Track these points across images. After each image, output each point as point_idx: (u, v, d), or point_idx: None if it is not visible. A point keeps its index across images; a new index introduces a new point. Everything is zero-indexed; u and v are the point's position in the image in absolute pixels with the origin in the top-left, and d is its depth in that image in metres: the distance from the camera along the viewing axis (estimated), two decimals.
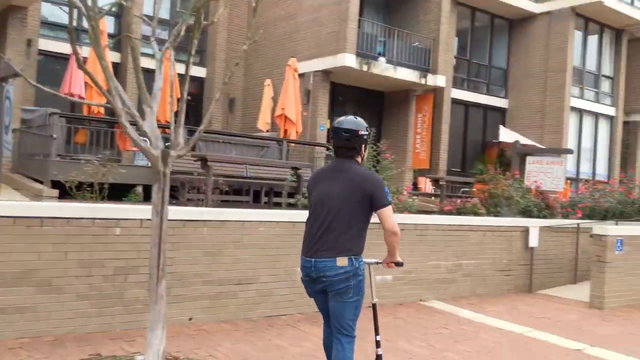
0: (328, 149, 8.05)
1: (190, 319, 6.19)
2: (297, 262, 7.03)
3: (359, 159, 3.93)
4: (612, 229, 8.48)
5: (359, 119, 3.94)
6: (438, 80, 17.78)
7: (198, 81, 18.19)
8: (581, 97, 20.98)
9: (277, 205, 9.84)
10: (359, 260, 3.86)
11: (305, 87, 16.43)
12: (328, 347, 4.05)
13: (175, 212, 6.08)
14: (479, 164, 20.04)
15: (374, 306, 4.21)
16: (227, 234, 6.42)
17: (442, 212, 9.20)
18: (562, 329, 7.10)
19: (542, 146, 18.95)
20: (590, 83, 21.47)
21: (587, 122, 21.35)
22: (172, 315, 6.03)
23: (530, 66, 20.70)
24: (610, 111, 21.74)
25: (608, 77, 21.88)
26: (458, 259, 8.64)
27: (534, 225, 9.47)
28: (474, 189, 16.99)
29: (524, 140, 19.56)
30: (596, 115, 21.50)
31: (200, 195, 7.83)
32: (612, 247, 8.43)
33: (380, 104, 19.03)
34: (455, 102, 19.64)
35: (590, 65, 21.44)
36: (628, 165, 22.44)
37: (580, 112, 20.99)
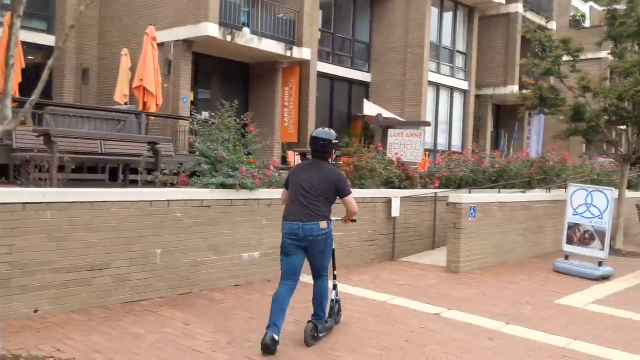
0: (192, 122, 7.62)
1: (36, 311, 5.60)
2: (156, 244, 6.67)
3: (330, 160, 5.49)
4: (466, 197, 8.93)
5: (331, 130, 5.50)
6: (304, 53, 17.73)
7: (46, 50, 16.64)
8: (438, 71, 22.02)
9: (135, 184, 9.26)
10: (331, 222, 5.40)
11: (166, 58, 15.63)
12: (280, 299, 5.23)
13: (11, 194, 5.42)
14: (345, 137, 20.39)
15: (333, 252, 5.72)
16: (76, 217, 5.85)
17: None
18: (422, 295, 7.37)
19: (402, 119, 19.68)
20: (446, 58, 22.59)
21: (444, 95, 22.50)
22: (14, 309, 5.43)
23: (391, 41, 21.31)
24: (464, 85, 23.07)
25: (462, 53, 23.15)
26: None
27: (396, 195, 9.74)
28: (340, 162, 17.30)
29: (386, 114, 20.20)
30: (451, 90, 22.71)
31: (46, 175, 7.10)
32: (466, 214, 8.89)
33: (246, 76, 18.64)
34: (321, 75, 19.76)
35: (446, 41, 22.52)
36: (480, 137, 24.03)
37: (438, 86, 22.05)
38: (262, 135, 10.24)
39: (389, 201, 9.67)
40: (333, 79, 20.69)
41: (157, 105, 13.56)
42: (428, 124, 17.08)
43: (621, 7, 11.25)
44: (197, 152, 7.48)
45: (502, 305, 7.10)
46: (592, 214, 9.35)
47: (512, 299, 7.41)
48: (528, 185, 13.35)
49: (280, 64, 18.16)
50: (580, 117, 10.87)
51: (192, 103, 16.71)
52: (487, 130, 24.34)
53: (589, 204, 9.40)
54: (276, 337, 4.96)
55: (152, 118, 13.98)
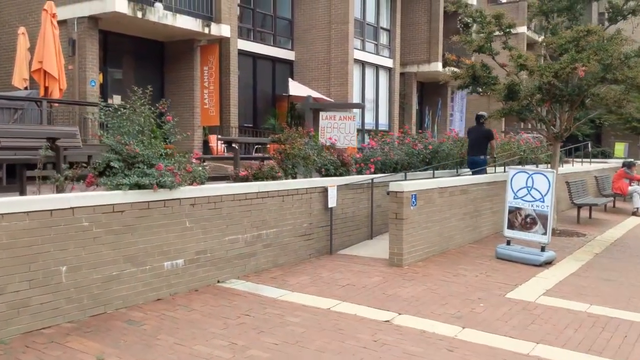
0: (102, 108, 6.53)
1: None
2: (60, 260, 5.62)
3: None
4: (407, 185, 8.35)
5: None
6: (223, 29, 16.58)
7: None
8: (363, 49, 21.42)
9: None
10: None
11: (69, 37, 14.10)
12: None
13: None
14: (270, 119, 19.54)
15: None
16: None
17: (237, 178, 8.29)
18: (368, 297, 6.74)
19: (330, 99, 19.00)
20: (370, 35, 22.01)
21: (369, 74, 21.96)
22: None
23: (314, 17, 20.47)
24: (389, 63, 22.62)
25: (386, 30, 22.63)
26: (258, 230, 7.84)
27: (332, 184, 9.04)
28: (269, 149, 16.41)
29: (312, 94, 19.46)
30: (377, 67, 22.21)
31: None
32: (407, 203, 8.32)
33: (160, 55, 17.27)
34: (243, 53, 18.67)
35: (370, 17, 21.91)
36: (405, 114, 23.76)
37: (363, 64, 21.46)
38: (181, 119, 9.09)
39: (324, 190, 8.96)
40: (255, 57, 19.64)
41: (60, 90, 12.13)
42: (361, 106, 16.46)
43: None
44: (107, 148, 6.43)
45: (453, 303, 6.59)
46: (534, 197, 9.03)
47: (462, 295, 6.92)
48: (460, 165, 13.05)
49: (197, 42, 16.92)
50: (514, 96, 10.54)
51: (102, 86, 15.27)
52: (412, 108, 24.10)
53: (530, 186, 9.07)
54: None
55: (56, 105, 12.55)
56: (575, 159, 19.91)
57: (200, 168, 7.31)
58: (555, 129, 11.66)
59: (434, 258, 8.94)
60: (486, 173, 11.74)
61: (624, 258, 9.75)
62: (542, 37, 11.66)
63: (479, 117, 11.73)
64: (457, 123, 26.33)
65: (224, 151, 16.80)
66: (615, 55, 9.36)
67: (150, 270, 6.43)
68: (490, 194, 11.06)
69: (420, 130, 15.59)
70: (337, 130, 10.62)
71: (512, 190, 9.26)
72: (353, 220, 9.79)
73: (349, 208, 9.67)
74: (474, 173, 11.41)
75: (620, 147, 30.72)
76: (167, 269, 6.64)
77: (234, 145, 9.65)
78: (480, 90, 11.59)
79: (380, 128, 21.69)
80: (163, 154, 6.70)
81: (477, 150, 11.50)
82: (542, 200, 8.94)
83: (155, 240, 6.48)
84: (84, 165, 7.39)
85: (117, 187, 6.18)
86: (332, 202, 9.03)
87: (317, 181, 8.96)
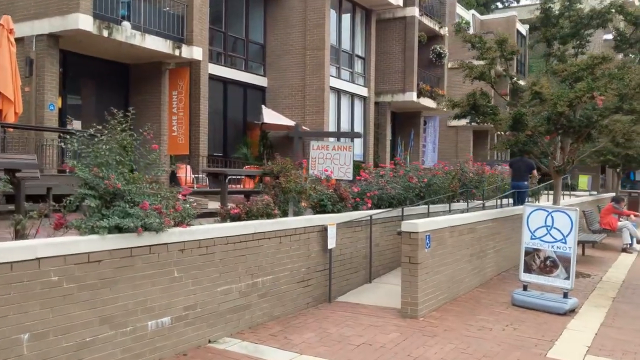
0: (61, 135, 5.42)
1: None
2: (21, 326, 4.34)
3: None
4: (422, 225, 7.38)
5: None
6: (194, 52, 15.50)
7: None
8: (338, 76, 20.64)
9: None
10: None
11: (27, 56, 12.77)
12: None
13: None
14: (242, 147, 18.46)
15: None
16: None
17: (225, 216, 7.18)
18: None
19: (306, 128, 18.04)
20: (346, 63, 21.29)
21: (344, 102, 21.16)
22: None
23: (288, 43, 19.64)
24: (364, 92, 21.89)
25: (361, 58, 21.96)
26: (253, 278, 6.72)
27: (332, 222, 8.00)
28: (243, 181, 15.26)
29: (287, 122, 18.51)
30: (352, 96, 21.44)
31: None
32: (422, 245, 7.36)
33: (125, 79, 16.03)
34: (213, 78, 17.60)
35: (345, 44, 21.21)
36: (379, 145, 23.02)
37: (338, 92, 20.67)
38: (147, 148, 7.95)
39: (323, 230, 7.91)
40: (226, 82, 18.59)
41: (16, 113, 10.74)
42: (359, 135, 15.53)
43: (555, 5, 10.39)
44: (80, 182, 5.24)
45: None
46: (554, 238, 8.19)
47: (498, 356, 5.94)
48: (452, 200, 12.24)
49: (166, 65, 15.78)
50: (519, 127, 9.80)
51: (60, 110, 13.92)
52: (386, 138, 23.38)
53: (550, 226, 8.24)
54: None
55: (11, 130, 11.18)
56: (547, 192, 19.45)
57: (188, 206, 6.18)
58: (557, 162, 10.98)
59: (447, 307, 7.96)
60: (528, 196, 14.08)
61: None
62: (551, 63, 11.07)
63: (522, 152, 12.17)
64: (430, 154, 25.79)
65: (192, 183, 15.58)
66: (633, 85, 8.75)
67: (131, 333, 5.23)
68: (494, 231, 10.23)
69: (394, 160, 14.71)
70: (331, 162, 9.64)
71: (529, 230, 8.42)
72: (351, 262, 8.76)
73: (347, 249, 8.64)
74: (518, 194, 13.03)
75: (584, 180, 30.78)
76: (152, 329, 5.44)
77: (220, 177, 8.52)
78: (479, 120, 10.83)
79: (355, 159, 20.80)
80: (149, 191, 5.56)
81: (520, 177, 12.93)
82: (563, 241, 8.11)
83: (138, 295, 5.30)
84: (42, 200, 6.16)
85: (94, 230, 5.00)
86: (331, 243, 7.99)
87: (316, 219, 7.91)
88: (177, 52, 15.04)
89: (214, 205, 11.69)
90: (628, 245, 14.91)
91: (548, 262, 8.23)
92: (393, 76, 23.29)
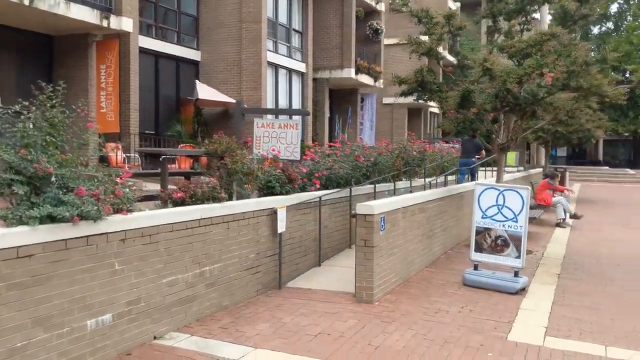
0: None
1: None
2: None
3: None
4: (377, 206, 7.10)
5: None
6: (124, 23, 14.48)
7: None
8: (275, 51, 20.04)
9: None
10: None
11: None
12: None
13: None
14: (176, 125, 17.65)
15: None
16: None
17: (167, 200, 6.63)
18: (354, 351, 5.40)
19: (244, 105, 17.40)
20: (283, 37, 20.69)
21: (282, 78, 20.61)
22: None
23: (223, 15, 18.81)
24: (302, 67, 21.40)
25: (298, 32, 21.41)
26: (200, 267, 6.25)
27: (282, 205, 7.60)
28: (179, 160, 14.54)
29: (223, 98, 17.83)
30: (289, 71, 20.92)
31: None
32: (377, 227, 7.09)
33: (48, 52, 14.84)
34: (144, 51, 16.63)
35: (282, 17, 20.58)
36: (318, 123, 22.66)
37: (276, 67, 20.08)
38: (74, 125, 7.20)
39: (272, 213, 7.50)
40: (157, 55, 17.63)
41: None
42: (307, 113, 15.01)
43: None
44: (4, 166, 4.59)
45: (456, 354, 5.42)
46: (505, 217, 8.13)
47: (460, 341, 5.78)
48: (396, 178, 12.09)
49: (93, 37, 14.69)
50: (468, 104, 9.66)
51: None
52: (324, 116, 23.03)
53: (501, 205, 8.17)
54: None
55: None
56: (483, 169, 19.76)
57: (128, 190, 5.61)
58: (500, 140, 10.98)
59: (401, 289, 7.77)
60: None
61: (586, 279, 9.12)
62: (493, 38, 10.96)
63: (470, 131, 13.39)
64: (367, 132, 25.69)
65: (124, 163, 14.71)
66: (579, 62, 8.75)
67: (68, 334, 4.68)
68: (442, 210, 10.14)
69: (340, 139, 14.36)
70: (277, 140, 9.18)
71: (480, 209, 8.33)
72: (300, 245, 8.40)
73: (296, 232, 8.28)
74: (470, 171, 14.79)
75: (511, 156, 31.65)
76: (91, 328, 4.91)
77: (161, 158, 7.89)
78: (426, 97, 10.63)
79: None
80: (83, 173, 4.97)
81: (468, 155, 14.91)
82: (514, 219, 8.06)
83: (75, 292, 4.74)
84: None
85: (22, 221, 4.39)
86: (281, 227, 7.60)
87: (266, 202, 7.48)
88: (105, 23, 14.01)
89: (151, 187, 11.02)
90: (562, 220, 15.30)
91: (499, 242, 8.17)
92: (331, 52, 22.90)
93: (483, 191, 8.34)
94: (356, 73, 23.02)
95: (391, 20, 28.42)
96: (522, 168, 28.13)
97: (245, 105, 15.83)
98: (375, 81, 25.06)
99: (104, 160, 14.57)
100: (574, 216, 15.72)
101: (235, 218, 6.84)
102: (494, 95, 9.38)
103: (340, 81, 23.35)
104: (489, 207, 8.25)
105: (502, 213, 8.14)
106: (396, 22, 29.83)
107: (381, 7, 25.65)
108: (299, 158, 9.16)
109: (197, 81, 18.11)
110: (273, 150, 8.92)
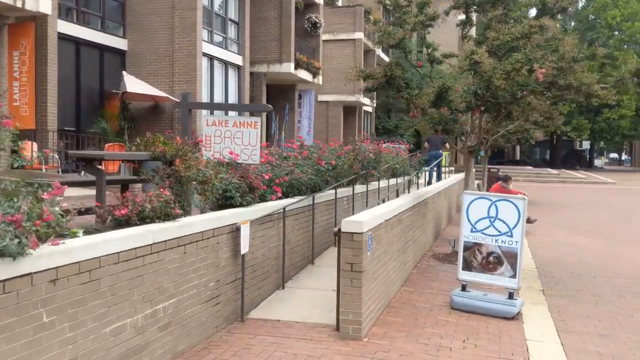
0: None
1: None
2: None
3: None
4: (366, 222, 5.93)
5: None
6: (41, 4, 12.53)
7: None
8: (211, 41, 18.47)
9: None
10: None
11: None
12: None
13: None
14: (100, 121, 15.78)
15: None
16: None
17: (107, 219, 5.17)
18: None
19: (176, 100, 15.77)
20: (219, 27, 19.14)
21: (218, 71, 19.05)
22: None
23: (154, 0, 17.06)
24: (238, 60, 19.92)
25: (234, 22, 19.91)
26: (152, 305, 4.87)
27: (245, 220, 6.30)
28: (106, 164, 12.77)
29: (153, 92, 16.13)
30: (225, 64, 19.38)
31: None
32: (366, 247, 5.93)
33: None
34: (64, 38, 14.68)
35: (217, 5, 19.03)
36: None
37: (211, 59, 18.51)
38: None
39: (234, 230, 6.19)
40: (79, 43, 15.65)
41: None
42: (269, 109, 13.51)
43: None
44: None
45: None
46: (498, 231, 7.19)
47: None
48: (354, 182, 11.04)
49: (5, 19, 12.65)
50: (442, 102, 8.69)
51: None
52: (261, 113, 21.59)
53: (493, 217, 7.22)
54: None
55: None
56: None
57: (57, 209, 4.15)
58: (470, 142, 10.12)
59: (385, 317, 6.66)
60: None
61: (574, 296, 8.38)
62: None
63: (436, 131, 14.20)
64: (305, 130, 24.52)
65: (40, 164, 12.77)
66: (568, 58, 7.97)
67: None
68: (413, 219, 9.14)
69: (298, 140, 13.05)
70: (231, 141, 7.82)
71: (469, 221, 7.34)
72: (263, 266, 7.13)
73: (258, 250, 7.00)
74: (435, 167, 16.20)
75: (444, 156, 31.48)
76: None
77: (98, 165, 6.30)
78: (393, 93, 9.58)
79: None
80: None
81: (437, 148, 16.04)
82: (509, 234, 7.13)
83: None
84: None
85: None
86: (245, 246, 6.30)
87: (227, 216, 6.14)
88: (19, 4, 12.00)
89: (72, 193, 9.35)
90: None
91: (491, 258, 7.22)
92: (269, 45, 21.54)
93: (472, 201, 7.36)
94: (295, 68, 21.79)
95: (325, 16, 27.38)
96: (452, 168, 27.86)
97: (176, 100, 14.22)
98: (314, 77, 23.94)
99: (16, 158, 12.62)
100: (527, 220, 15.24)
101: (193, 239, 5.48)
102: (473, 92, 8.44)
103: (278, 76, 22.04)
104: (480, 220, 7.28)
105: (494, 226, 7.19)
106: (330, 17, 28.88)
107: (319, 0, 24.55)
108: (258, 162, 7.86)
109: (124, 72, 16.26)
110: (231, 153, 7.57)
